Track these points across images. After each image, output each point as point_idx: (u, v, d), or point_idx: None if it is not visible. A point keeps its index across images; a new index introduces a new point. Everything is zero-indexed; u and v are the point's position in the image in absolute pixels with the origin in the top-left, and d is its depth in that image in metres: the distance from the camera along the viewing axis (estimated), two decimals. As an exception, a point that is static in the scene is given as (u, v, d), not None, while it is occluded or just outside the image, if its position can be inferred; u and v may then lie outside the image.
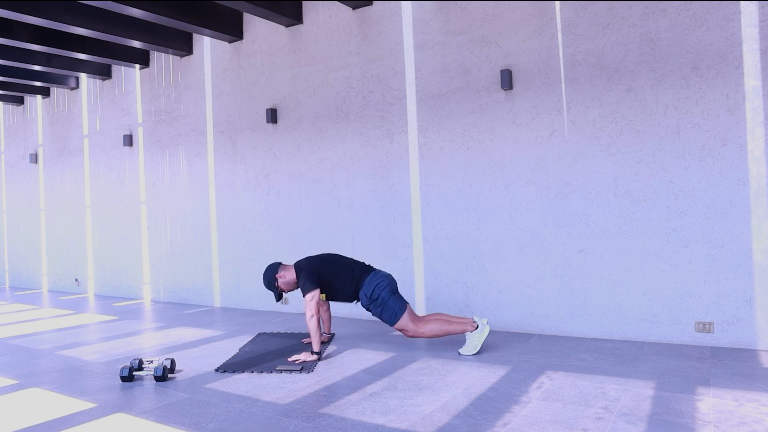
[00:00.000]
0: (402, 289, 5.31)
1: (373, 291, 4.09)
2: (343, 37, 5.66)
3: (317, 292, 4.03)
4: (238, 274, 6.56)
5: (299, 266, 4.17)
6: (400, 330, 4.10)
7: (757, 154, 3.79)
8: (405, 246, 5.30)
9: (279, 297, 4.30)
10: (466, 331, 4.02)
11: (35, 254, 9.30)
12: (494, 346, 4.24)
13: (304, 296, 4.03)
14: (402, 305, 4.08)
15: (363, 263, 4.30)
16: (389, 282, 4.15)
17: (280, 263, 4.31)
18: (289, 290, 4.31)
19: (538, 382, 3.29)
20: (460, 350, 4.00)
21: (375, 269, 4.25)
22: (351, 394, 3.17)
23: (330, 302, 4.77)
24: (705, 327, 3.98)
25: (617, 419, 2.66)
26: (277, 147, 6.17)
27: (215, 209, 6.76)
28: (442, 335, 4.05)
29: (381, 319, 4.12)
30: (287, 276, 4.24)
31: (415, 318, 4.08)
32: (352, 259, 4.33)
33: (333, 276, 4.17)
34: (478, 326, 4.00)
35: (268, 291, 6.29)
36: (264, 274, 4.29)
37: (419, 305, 5.22)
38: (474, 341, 3.98)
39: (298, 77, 5.99)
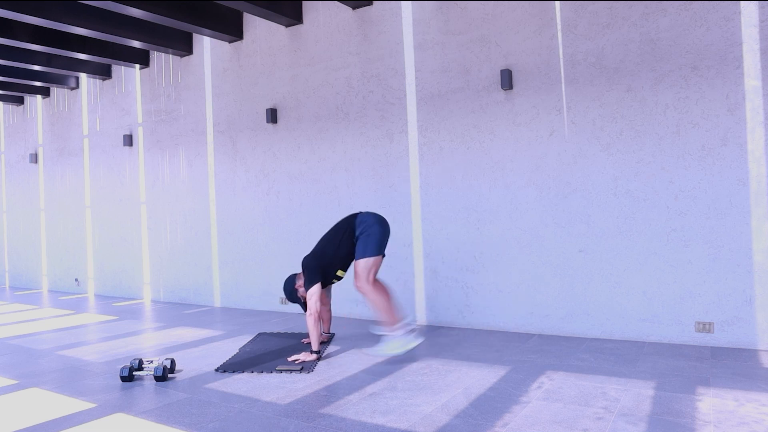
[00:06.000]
0: (402, 289, 5.31)
1: (362, 226, 3.97)
2: (343, 37, 5.66)
3: (318, 287, 3.98)
4: (238, 274, 6.56)
5: (302, 269, 4.15)
6: (355, 272, 3.91)
7: (757, 154, 3.79)
8: (405, 246, 5.30)
9: (305, 306, 4.31)
10: (390, 326, 3.83)
11: (35, 254, 9.30)
12: (494, 346, 4.24)
13: (305, 293, 4.03)
14: (377, 249, 3.91)
15: (346, 220, 4.13)
16: (378, 221, 4.00)
17: (295, 274, 4.33)
18: None
19: (538, 382, 3.29)
20: (373, 350, 3.84)
21: (359, 214, 4.12)
22: (351, 394, 3.17)
23: (331, 303, 4.74)
24: (705, 327, 3.98)
25: (617, 419, 2.66)
26: (277, 147, 6.17)
27: (215, 209, 6.76)
28: (375, 309, 3.86)
29: (356, 248, 3.97)
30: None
31: (373, 274, 3.91)
32: (335, 226, 4.18)
33: (333, 254, 4.08)
34: (403, 331, 3.81)
35: (270, 291, 6.30)
36: (284, 289, 4.32)
37: (419, 305, 5.22)
38: (394, 344, 3.79)
39: (298, 77, 5.99)
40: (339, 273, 4.18)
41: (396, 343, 3.82)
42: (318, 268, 4.05)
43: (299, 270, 6.00)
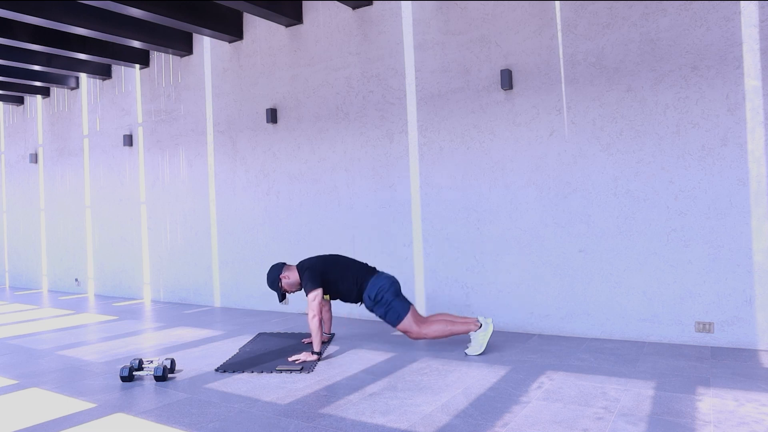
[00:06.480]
0: (402, 289, 5.31)
1: (377, 293, 4.09)
2: (343, 37, 5.66)
3: (320, 292, 4.02)
4: (238, 274, 6.56)
5: (302, 266, 4.17)
6: (404, 331, 4.08)
7: (757, 154, 3.79)
8: (405, 246, 5.30)
9: (282, 297, 4.30)
10: (470, 332, 4.00)
11: (35, 254, 9.30)
12: (494, 346, 4.24)
13: (307, 296, 4.03)
14: (406, 307, 4.08)
15: (366, 265, 4.30)
16: (392, 284, 4.15)
17: (284, 263, 4.31)
18: (293, 291, 4.30)
19: (538, 382, 3.29)
20: (467, 351, 4.00)
21: (378, 271, 4.26)
22: (351, 394, 3.17)
23: (331, 303, 4.77)
24: (705, 327, 3.98)
25: (617, 419, 2.66)
26: (277, 147, 6.17)
27: (215, 209, 6.76)
28: (446, 336, 4.04)
29: (384, 320, 4.11)
30: (291, 276, 4.24)
31: (418, 319, 4.07)
32: (355, 260, 4.33)
33: (336, 276, 4.17)
34: (481, 325, 3.99)
35: (270, 291, 6.29)
36: (268, 274, 4.29)
37: (419, 305, 5.22)
38: (479, 340, 3.97)
39: (298, 77, 5.99)
40: (325, 296, 4.24)
41: (480, 339, 3.98)
42: (320, 275, 4.12)
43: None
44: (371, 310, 4.17)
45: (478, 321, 4.01)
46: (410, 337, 4.07)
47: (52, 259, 8.97)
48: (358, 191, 5.58)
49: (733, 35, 3.85)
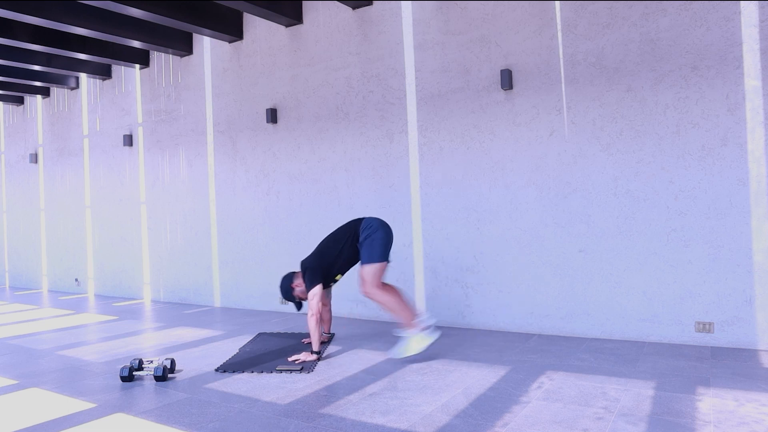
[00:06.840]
0: (403, 289, 5.31)
1: (368, 229, 3.98)
2: (343, 37, 5.66)
3: (319, 289, 3.99)
4: (238, 274, 6.56)
5: (303, 268, 4.14)
6: (362, 279, 3.91)
7: (757, 154, 3.79)
8: (405, 246, 5.30)
9: (299, 306, 4.29)
10: (407, 325, 3.84)
11: (35, 254, 9.30)
12: (494, 346, 4.24)
13: (307, 294, 4.02)
14: (383, 255, 3.93)
15: (349, 223, 4.15)
16: (382, 224, 4.01)
17: (294, 272, 4.30)
18: (306, 298, 4.26)
19: (538, 382, 3.29)
20: (393, 352, 3.85)
21: (363, 219, 4.14)
22: (351, 394, 3.17)
23: (331, 303, 4.73)
24: (705, 327, 3.98)
25: (617, 419, 2.66)
26: (277, 147, 6.17)
27: (215, 209, 6.76)
28: (389, 311, 3.88)
29: (360, 253, 3.97)
30: (302, 284, 4.22)
31: (380, 280, 3.93)
32: (340, 228, 4.19)
33: (334, 256, 4.08)
34: (422, 330, 3.81)
35: (270, 291, 6.29)
36: (280, 286, 4.29)
37: (419, 305, 5.22)
38: (413, 344, 3.80)
39: (298, 77, 5.99)
40: (337, 277, 4.19)
41: (414, 341, 3.82)
42: (319, 269, 4.05)
43: (299, 269, 6.00)
44: (361, 247, 4.01)
45: (419, 323, 3.85)
46: (362, 288, 3.90)
47: (52, 259, 8.97)
48: (358, 191, 5.58)
49: (733, 35, 3.85)
